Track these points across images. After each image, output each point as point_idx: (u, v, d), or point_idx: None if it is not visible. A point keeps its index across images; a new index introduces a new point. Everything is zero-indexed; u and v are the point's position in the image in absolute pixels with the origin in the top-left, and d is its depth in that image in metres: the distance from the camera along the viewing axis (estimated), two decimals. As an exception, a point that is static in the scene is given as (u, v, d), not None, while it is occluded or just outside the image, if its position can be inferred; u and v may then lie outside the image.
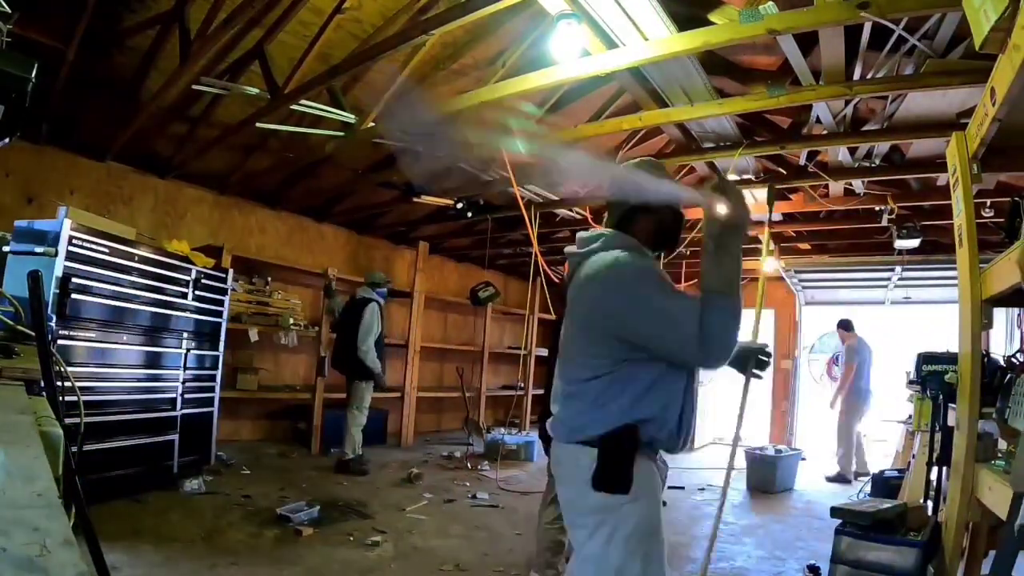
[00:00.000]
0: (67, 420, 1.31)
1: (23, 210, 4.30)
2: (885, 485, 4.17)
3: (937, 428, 2.69)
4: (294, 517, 3.62)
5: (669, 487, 5.43)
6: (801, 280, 7.47)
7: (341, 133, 4.09)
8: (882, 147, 3.95)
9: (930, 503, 2.73)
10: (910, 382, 3.93)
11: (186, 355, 4.23)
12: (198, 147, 4.71)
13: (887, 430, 6.02)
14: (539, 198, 5.60)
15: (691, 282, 7.75)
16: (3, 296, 1.95)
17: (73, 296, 3.33)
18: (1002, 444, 1.98)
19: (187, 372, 4.23)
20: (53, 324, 3.03)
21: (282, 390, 6.08)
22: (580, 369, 1.57)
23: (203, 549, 3.08)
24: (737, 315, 1.42)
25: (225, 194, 5.79)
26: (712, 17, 2.58)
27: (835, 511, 2.61)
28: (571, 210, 5.91)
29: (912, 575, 2.15)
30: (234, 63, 3.60)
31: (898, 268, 6.24)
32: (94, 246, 3.50)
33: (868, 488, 4.56)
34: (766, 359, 1.82)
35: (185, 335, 4.23)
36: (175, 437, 4.13)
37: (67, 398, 1.83)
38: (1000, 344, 4.98)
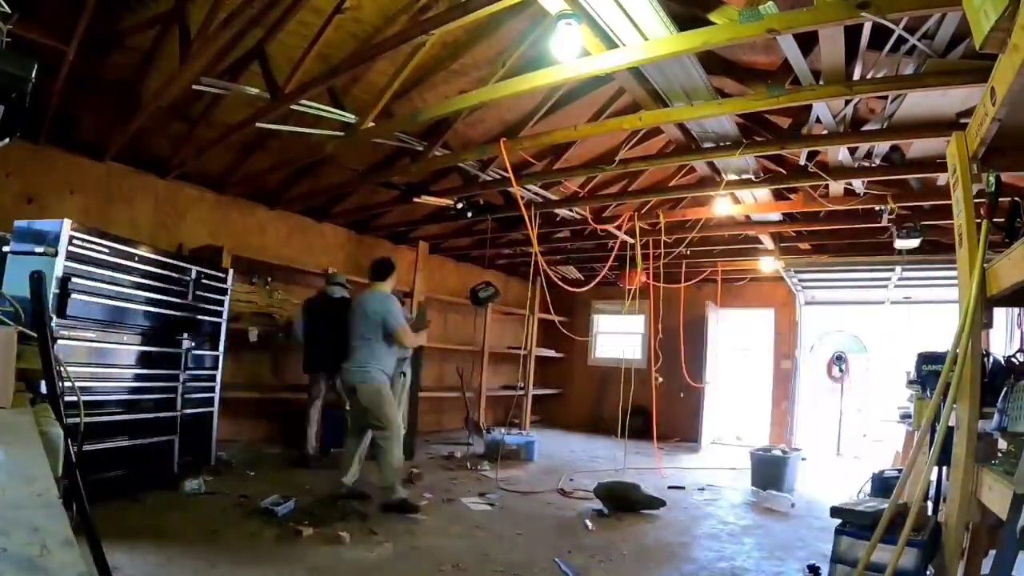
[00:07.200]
0: (67, 420, 1.31)
1: (23, 210, 4.30)
2: (885, 485, 4.15)
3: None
4: (277, 509, 3.70)
5: (669, 487, 5.44)
6: (801, 280, 7.46)
7: (341, 133, 4.09)
8: (882, 147, 3.95)
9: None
10: (910, 382, 3.92)
11: (186, 355, 4.23)
12: (198, 147, 4.71)
13: (887, 430, 6.01)
14: (539, 198, 5.60)
15: (689, 282, 7.75)
16: (3, 296, 1.95)
17: (73, 296, 3.34)
18: (1002, 444, 1.98)
19: (187, 372, 4.24)
20: (53, 324, 3.04)
21: (283, 390, 6.08)
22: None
23: (204, 549, 3.08)
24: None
25: (225, 194, 5.79)
26: (712, 17, 2.58)
27: (835, 511, 2.60)
28: (571, 210, 5.91)
29: (912, 575, 2.14)
30: (234, 63, 3.61)
31: (898, 268, 6.22)
32: (94, 246, 3.50)
33: (868, 488, 4.55)
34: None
35: (185, 335, 4.23)
36: (175, 437, 4.14)
37: (67, 398, 1.83)
38: (1000, 344, 4.97)
